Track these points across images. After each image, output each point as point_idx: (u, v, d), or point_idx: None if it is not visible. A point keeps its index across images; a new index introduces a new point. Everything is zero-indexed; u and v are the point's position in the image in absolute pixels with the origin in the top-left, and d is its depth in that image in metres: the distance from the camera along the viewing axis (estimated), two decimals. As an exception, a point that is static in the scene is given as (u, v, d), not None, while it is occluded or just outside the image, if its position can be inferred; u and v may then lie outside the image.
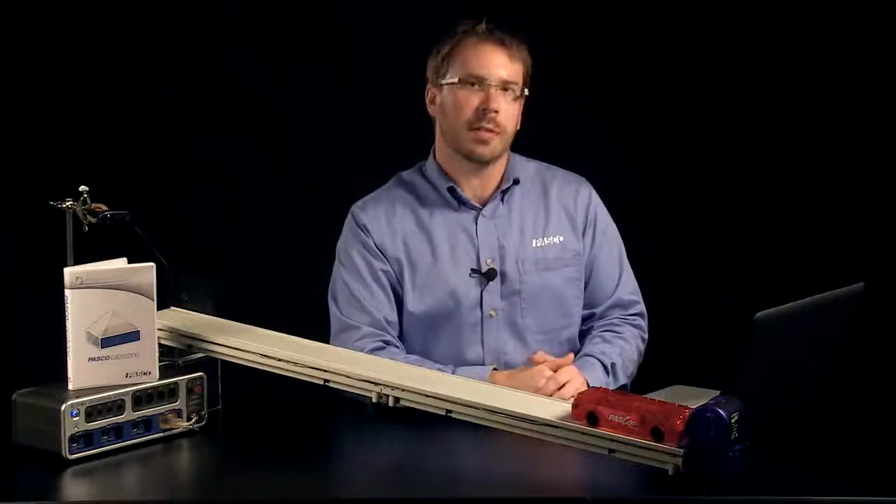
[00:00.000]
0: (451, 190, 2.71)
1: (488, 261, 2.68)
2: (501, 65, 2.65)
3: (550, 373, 2.51)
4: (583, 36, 3.45)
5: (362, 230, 2.71)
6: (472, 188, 2.72)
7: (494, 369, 2.60)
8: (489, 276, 2.67)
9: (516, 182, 2.73)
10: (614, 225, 2.80)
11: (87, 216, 2.25)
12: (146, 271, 2.21)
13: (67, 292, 2.17)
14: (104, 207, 2.26)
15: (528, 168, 2.77)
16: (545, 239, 2.72)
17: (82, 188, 2.25)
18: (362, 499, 2.03)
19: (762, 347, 2.09)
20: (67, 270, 2.17)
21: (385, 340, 2.65)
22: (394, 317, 2.68)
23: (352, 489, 2.07)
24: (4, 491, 2.03)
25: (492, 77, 2.64)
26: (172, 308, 2.41)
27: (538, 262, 2.70)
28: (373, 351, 2.59)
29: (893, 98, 3.41)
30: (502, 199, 2.72)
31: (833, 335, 2.32)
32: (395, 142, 3.35)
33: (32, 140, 3.43)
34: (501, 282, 2.68)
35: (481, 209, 2.71)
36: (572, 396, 2.44)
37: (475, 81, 2.64)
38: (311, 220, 3.46)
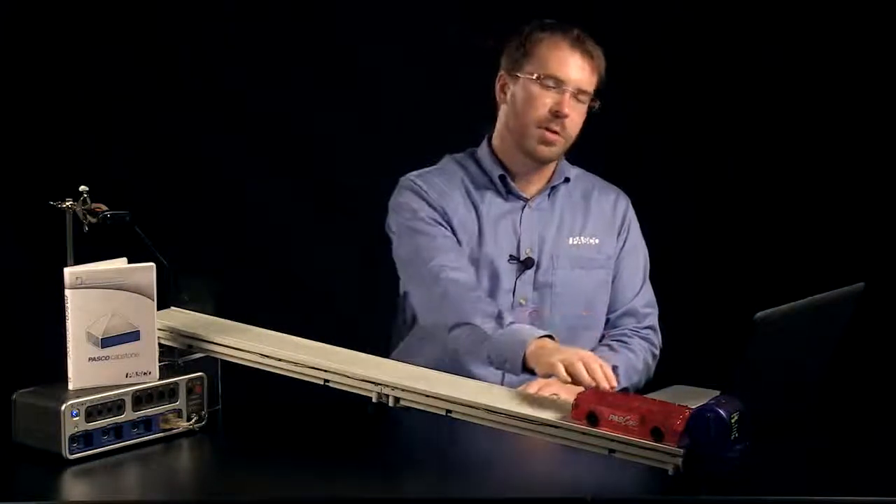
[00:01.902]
0: (503, 178, 2.74)
1: (527, 250, 2.71)
2: (582, 73, 2.67)
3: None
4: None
5: (420, 193, 2.72)
6: (523, 180, 2.75)
7: (549, 337, 2.49)
8: (526, 264, 2.71)
9: (567, 180, 2.77)
10: (644, 243, 2.85)
11: (87, 216, 2.25)
12: (146, 271, 2.21)
13: (67, 292, 2.16)
14: (104, 207, 2.26)
15: (572, 173, 2.81)
16: (581, 238, 2.76)
17: (82, 188, 2.25)
18: (362, 499, 2.03)
19: (762, 347, 2.09)
20: (67, 270, 2.17)
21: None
22: (465, 257, 2.67)
23: (352, 489, 2.07)
24: (4, 491, 2.03)
25: (570, 82, 2.66)
26: (172, 308, 2.41)
27: (572, 259, 2.74)
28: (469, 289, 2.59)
29: (893, 98, 3.41)
30: (549, 195, 2.75)
31: (833, 335, 2.32)
32: (396, 142, 3.36)
33: (32, 140, 3.43)
34: (535, 273, 2.71)
35: (528, 200, 2.74)
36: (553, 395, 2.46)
37: (554, 82, 2.66)
38: (312, 220, 3.47)
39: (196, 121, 3.47)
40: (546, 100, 2.66)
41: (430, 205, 2.72)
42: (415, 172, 2.79)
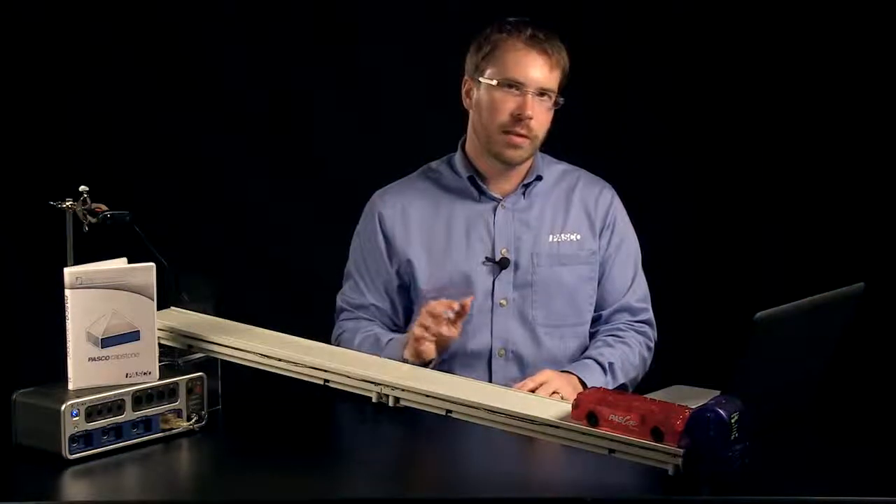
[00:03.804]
0: (472, 180, 2.74)
1: (503, 250, 2.71)
2: (541, 72, 2.66)
3: None
4: (582, 34, 3.45)
5: (376, 217, 2.76)
6: (496, 181, 2.75)
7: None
8: (502, 264, 2.70)
9: (539, 178, 2.75)
10: (634, 233, 2.83)
11: (87, 216, 2.25)
12: (146, 271, 2.21)
13: (67, 292, 2.16)
14: (104, 207, 2.26)
15: (554, 169, 2.81)
16: (562, 235, 2.74)
17: (82, 188, 2.25)
18: (362, 499, 2.03)
19: (762, 347, 2.09)
20: (67, 270, 2.17)
21: (363, 317, 2.74)
22: (384, 304, 2.75)
23: (352, 489, 2.07)
24: (4, 491, 2.03)
25: (531, 83, 2.65)
26: (172, 308, 2.41)
27: (552, 257, 2.72)
28: (347, 329, 2.71)
29: (893, 98, 3.41)
30: (524, 193, 2.75)
31: (833, 335, 2.32)
32: (395, 141, 3.36)
33: (32, 140, 3.43)
34: (514, 272, 2.70)
35: (501, 200, 2.73)
36: (555, 393, 2.47)
37: (514, 85, 2.66)
38: (311, 220, 3.47)
39: (196, 121, 3.47)
40: (508, 104, 2.66)
41: (375, 235, 2.75)
42: (381, 190, 2.81)
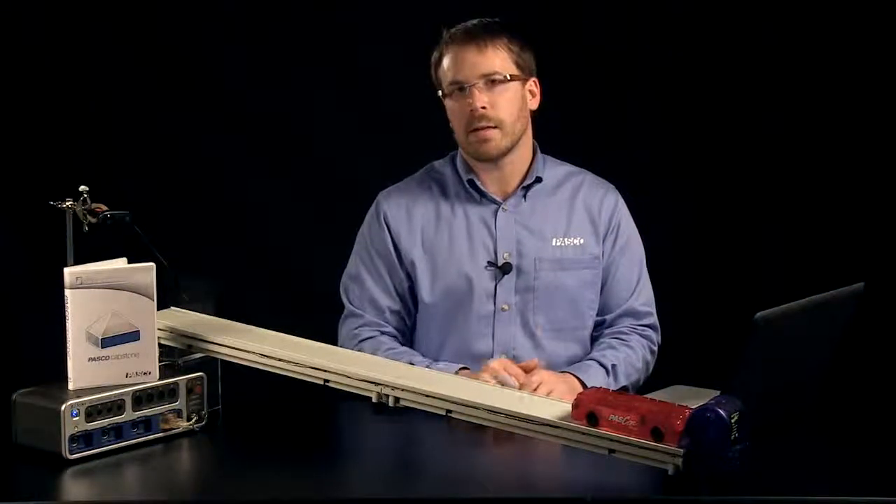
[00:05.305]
0: (472, 182, 2.74)
1: (505, 255, 2.70)
2: (476, 61, 2.66)
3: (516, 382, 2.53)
4: (583, 33, 3.46)
5: (382, 218, 2.75)
6: (494, 182, 2.74)
7: (463, 369, 2.62)
8: (504, 269, 2.69)
9: (539, 180, 2.74)
10: (638, 236, 2.82)
11: (87, 216, 2.25)
12: (146, 271, 2.21)
13: (67, 292, 2.16)
14: (104, 207, 2.26)
15: (558, 171, 2.80)
16: (565, 239, 2.73)
17: (82, 188, 2.25)
18: (362, 499, 2.03)
19: (762, 347, 2.09)
20: (67, 270, 2.17)
21: (381, 330, 2.71)
22: (397, 306, 2.73)
23: (352, 489, 2.07)
24: (4, 491, 2.03)
25: (470, 77, 2.66)
26: (172, 308, 2.41)
27: (555, 262, 2.72)
28: (366, 339, 2.67)
29: (893, 98, 3.41)
30: (524, 196, 2.74)
31: (833, 335, 2.32)
32: (395, 142, 3.37)
33: (32, 140, 3.43)
34: (517, 277, 2.70)
35: (502, 203, 2.72)
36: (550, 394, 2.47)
37: (459, 87, 2.66)
38: (311, 220, 3.47)
39: (196, 121, 3.47)
40: (462, 105, 2.67)
41: (381, 237, 2.74)
42: (385, 191, 2.80)
